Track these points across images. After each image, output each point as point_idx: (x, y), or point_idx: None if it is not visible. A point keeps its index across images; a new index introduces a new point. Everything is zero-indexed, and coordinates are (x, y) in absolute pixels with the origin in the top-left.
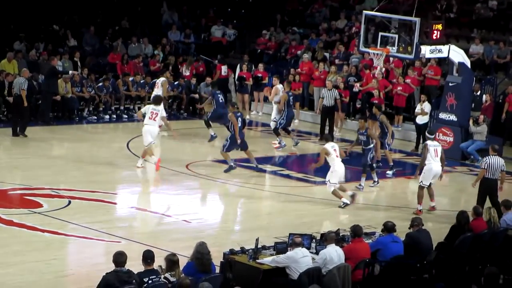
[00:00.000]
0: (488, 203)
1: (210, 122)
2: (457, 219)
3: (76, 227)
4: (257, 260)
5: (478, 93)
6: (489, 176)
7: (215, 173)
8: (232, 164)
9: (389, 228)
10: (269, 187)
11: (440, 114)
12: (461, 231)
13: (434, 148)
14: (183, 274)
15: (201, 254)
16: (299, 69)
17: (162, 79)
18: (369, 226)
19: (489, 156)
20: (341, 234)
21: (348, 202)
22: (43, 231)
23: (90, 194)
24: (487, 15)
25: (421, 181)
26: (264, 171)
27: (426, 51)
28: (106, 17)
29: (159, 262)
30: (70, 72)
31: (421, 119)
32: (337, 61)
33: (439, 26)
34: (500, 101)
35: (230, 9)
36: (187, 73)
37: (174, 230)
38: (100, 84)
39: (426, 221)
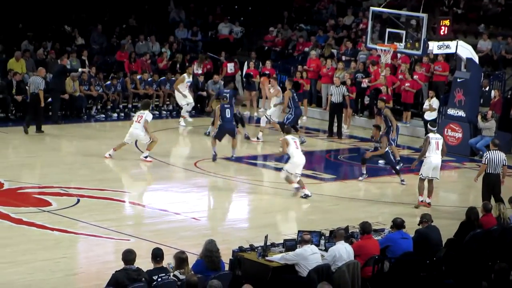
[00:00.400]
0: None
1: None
2: (466, 215)
3: (85, 225)
4: (266, 258)
5: (487, 88)
6: (490, 171)
7: (224, 170)
8: (214, 152)
9: (398, 224)
10: (277, 184)
11: (448, 110)
12: (470, 227)
13: (436, 141)
14: (192, 272)
15: (210, 251)
16: (305, 66)
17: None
18: (378, 222)
19: (490, 151)
20: (350, 231)
21: (310, 194)
22: (52, 229)
23: (99, 192)
24: (495, 10)
25: (421, 174)
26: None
27: (434, 47)
28: (113, 15)
29: (168, 260)
30: (80, 69)
31: (429, 115)
32: (344, 57)
33: (447, 22)
34: (509, 96)
35: (237, 7)
36: (199, 71)
37: (183, 227)
38: (108, 82)
39: (435, 217)
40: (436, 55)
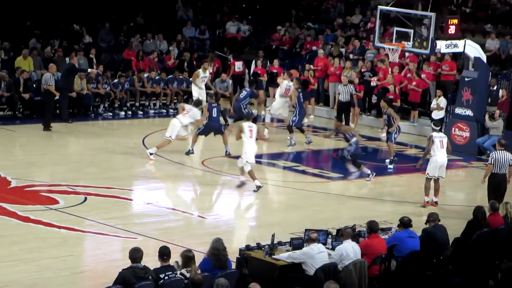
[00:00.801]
0: (505, 199)
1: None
2: (473, 214)
3: (92, 223)
4: (273, 256)
5: (495, 88)
6: (496, 171)
7: (231, 169)
8: (191, 148)
9: (405, 223)
10: (284, 183)
11: (456, 109)
12: (477, 227)
13: (440, 140)
14: (199, 270)
15: (217, 250)
16: (312, 66)
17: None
18: (385, 221)
19: (496, 151)
20: (357, 230)
21: (261, 185)
22: (59, 227)
23: (106, 191)
24: (503, 9)
25: (427, 173)
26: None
27: (442, 46)
28: (121, 13)
29: (175, 258)
30: (89, 69)
31: (437, 114)
32: (351, 56)
33: (455, 21)
34: None
35: (244, 5)
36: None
37: (190, 226)
38: (116, 80)
39: (442, 216)
40: (444, 54)
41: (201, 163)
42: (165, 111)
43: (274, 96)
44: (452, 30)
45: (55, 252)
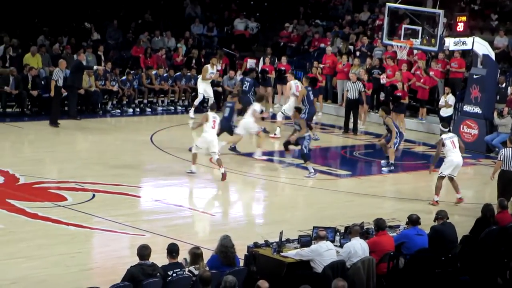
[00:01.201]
0: None
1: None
2: (482, 212)
3: (101, 220)
4: (281, 253)
5: (503, 85)
6: (506, 168)
7: (239, 166)
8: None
9: (413, 220)
10: (292, 180)
11: (464, 107)
12: (486, 224)
13: (451, 140)
14: (207, 267)
15: (225, 247)
16: (320, 64)
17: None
18: (393, 219)
19: (506, 148)
20: (365, 227)
21: (195, 171)
22: (67, 224)
23: (114, 188)
24: None
25: (441, 172)
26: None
27: (450, 43)
28: (129, 10)
29: (183, 255)
30: (95, 67)
31: (445, 112)
32: (358, 53)
33: (463, 18)
34: None
35: (253, 2)
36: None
37: (198, 223)
38: (124, 77)
39: (450, 214)
40: (452, 52)
41: (209, 160)
42: (173, 108)
43: (282, 93)
44: (460, 27)
45: (64, 249)
